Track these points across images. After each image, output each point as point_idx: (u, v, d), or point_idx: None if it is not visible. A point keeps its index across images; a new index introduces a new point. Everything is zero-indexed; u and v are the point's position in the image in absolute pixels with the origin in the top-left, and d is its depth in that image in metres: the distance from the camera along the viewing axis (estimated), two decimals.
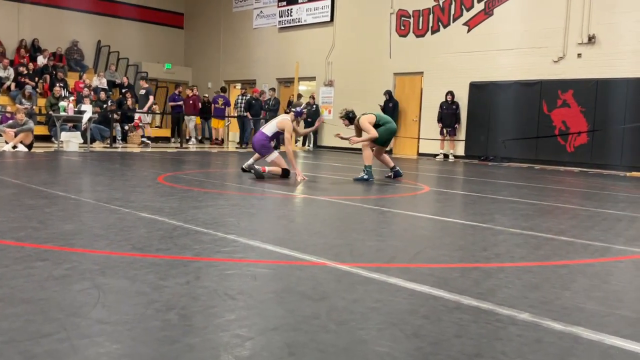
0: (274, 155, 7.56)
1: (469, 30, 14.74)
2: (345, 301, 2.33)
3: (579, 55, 12.91)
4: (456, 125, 14.75)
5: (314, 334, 1.94)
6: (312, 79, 18.63)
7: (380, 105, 16.34)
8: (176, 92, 17.87)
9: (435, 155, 15.18)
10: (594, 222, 4.76)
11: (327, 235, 3.85)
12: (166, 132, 18.50)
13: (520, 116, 13.62)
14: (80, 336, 1.84)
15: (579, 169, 12.44)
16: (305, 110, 7.78)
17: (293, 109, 7.71)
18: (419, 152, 15.88)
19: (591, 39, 12.69)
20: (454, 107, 14.70)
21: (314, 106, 17.63)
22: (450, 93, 14.65)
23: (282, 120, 7.63)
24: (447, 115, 14.75)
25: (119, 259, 2.89)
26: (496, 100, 14.02)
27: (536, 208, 5.68)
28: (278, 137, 7.83)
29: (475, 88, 14.43)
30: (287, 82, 19.19)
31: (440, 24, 15.33)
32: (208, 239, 3.43)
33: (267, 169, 7.48)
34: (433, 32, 15.49)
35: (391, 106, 16.11)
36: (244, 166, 8.11)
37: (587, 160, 12.61)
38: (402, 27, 16.11)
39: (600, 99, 12.48)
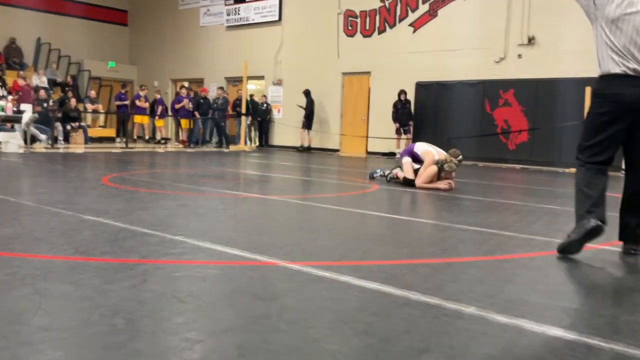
0: (405, 159, 7.29)
1: (414, 31, 15.01)
2: (296, 300, 2.33)
3: (520, 55, 13.35)
4: (410, 123, 14.76)
5: (265, 335, 1.93)
6: (261, 78, 18.54)
7: (301, 106, 16.47)
8: (122, 91, 17.47)
9: (385, 154, 15.36)
10: (536, 217, 4.93)
11: (277, 234, 3.84)
12: (111, 132, 18.03)
13: (464, 115, 13.96)
14: (21, 344, 1.76)
15: (521, 166, 12.86)
16: (445, 166, 6.96)
17: (447, 159, 7.03)
18: (368, 150, 16.05)
19: (531, 40, 13.14)
20: (408, 105, 14.70)
21: (265, 105, 17.57)
22: (403, 92, 14.64)
23: (427, 152, 7.13)
24: (403, 114, 14.67)
25: (61, 263, 2.79)
26: (441, 100, 14.33)
27: (481, 204, 5.84)
28: (414, 157, 7.29)
29: (421, 88, 14.71)
30: (236, 81, 19.02)
31: (386, 24, 15.54)
32: (155, 241, 3.35)
33: (399, 173, 7.38)
34: (380, 33, 15.68)
35: (307, 104, 16.27)
36: (387, 177, 7.70)
37: (527, 158, 13.05)
38: (350, 27, 16.24)
39: (539, 98, 12.94)
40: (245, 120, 16.81)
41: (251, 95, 17.83)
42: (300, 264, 2.93)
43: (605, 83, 3.41)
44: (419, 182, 6.95)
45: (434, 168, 6.91)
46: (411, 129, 14.86)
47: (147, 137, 18.08)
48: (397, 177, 7.42)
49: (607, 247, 3.76)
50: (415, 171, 7.14)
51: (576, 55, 12.37)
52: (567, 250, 3.34)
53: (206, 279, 2.61)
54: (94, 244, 3.25)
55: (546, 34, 12.93)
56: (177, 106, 17.02)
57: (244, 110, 16.50)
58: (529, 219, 4.87)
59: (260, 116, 17.61)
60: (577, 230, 3.28)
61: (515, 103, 13.35)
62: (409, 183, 7.08)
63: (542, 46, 13.03)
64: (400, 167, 7.44)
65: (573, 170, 11.42)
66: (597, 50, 3.46)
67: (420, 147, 7.34)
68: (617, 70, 3.33)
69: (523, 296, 2.53)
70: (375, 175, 7.88)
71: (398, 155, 14.31)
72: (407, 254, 3.38)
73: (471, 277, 2.83)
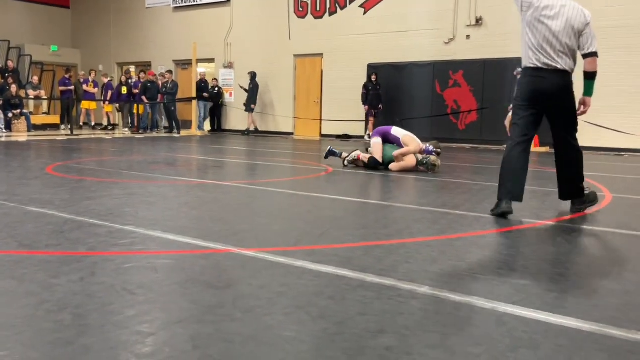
0: (375, 140, 7.12)
1: (365, 12, 15.00)
2: (251, 288, 2.30)
3: (468, 36, 13.55)
4: (380, 106, 14.35)
5: (220, 324, 1.90)
6: (211, 60, 18.21)
7: (244, 87, 16.35)
8: (66, 76, 16.86)
9: (339, 136, 15.37)
10: (485, 196, 5.05)
11: (231, 221, 3.79)
12: (55, 119, 17.40)
13: (415, 96, 14.11)
14: None
15: (470, 145, 13.13)
16: (435, 152, 7.04)
17: (426, 146, 7.08)
18: (322, 133, 16.04)
19: (478, 21, 13.35)
20: (378, 87, 14.29)
21: (216, 89, 17.28)
22: (375, 73, 14.26)
23: (411, 138, 7.04)
24: (374, 96, 14.25)
25: (4, 257, 2.68)
26: (392, 81, 14.41)
27: (432, 184, 5.93)
28: (388, 139, 7.16)
29: (373, 69, 14.75)
30: (185, 64, 18.62)
31: (337, 5, 15.47)
32: (103, 232, 3.26)
33: (360, 156, 7.18)
34: (331, 14, 15.61)
35: (252, 87, 16.27)
36: (344, 161, 7.46)
37: (477, 137, 13.33)
38: (301, 9, 16.10)
39: (487, 78, 13.20)
40: (196, 105, 16.49)
41: (214, 79, 17.53)
42: (255, 250, 2.90)
43: (524, 74, 4.09)
44: (395, 167, 6.94)
45: (414, 160, 6.95)
46: (380, 112, 14.42)
47: (93, 124, 17.55)
48: (359, 159, 7.22)
49: (555, 223, 3.89)
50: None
51: None
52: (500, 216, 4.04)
53: (157, 269, 2.55)
54: (38, 236, 3.13)
55: (493, 15, 13.16)
56: (135, 91, 16.58)
57: (204, 94, 16.29)
58: (478, 197, 4.97)
59: (212, 100, 17.33)
60: (497, 208, 4.04)
61: (464, 84, 13.57)
62: (373, 166, 7.02)
63: (490, 27, 13.26)
64: (366, 150, 7.38)
65: None
66: (522, 47, 4.13)
67: (400, 132, 7.20)
68: (531, 64, 4.01)
69: (474, 273, 2.58)
70: (333, 154, 7.61)
71: (367, 138, 14.30)
72: (362, 236, 3.40)
73: (424, 257, 2.86)
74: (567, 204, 4.42)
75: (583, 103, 4.15)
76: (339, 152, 7.61)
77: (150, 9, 19.44)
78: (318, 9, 15.80)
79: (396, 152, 6.97)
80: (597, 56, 4.01)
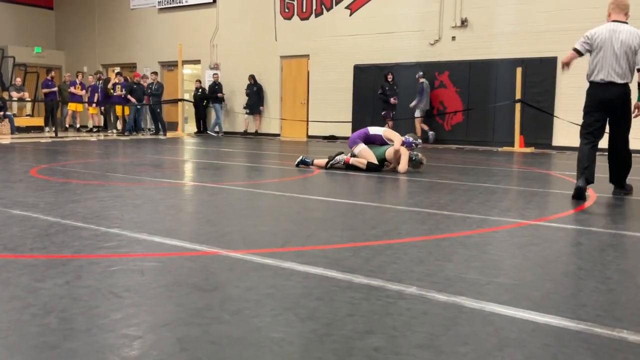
0: (362, 146, 7.12)
1: (351, 14, 15.03)
2: (239, 289, 2.30)
3: (453, 38, 13.62)
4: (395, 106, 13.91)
5: (207, 327, 1.89)
6: (197, 62, 18.13)
7: (246, 91, 16.36)
8: (49, 77, 16.69)
9: (325, 137, 15.38)
10: (471, 196, 5.07)
11: (218, 222, 3.78)
12: (39, 121, 17.22)
13: (402, 97, 14.13)
14: None
15: (456, 146, 13.20)
16: (414, 144, 7.10)
17: (406, 137, 7.12)
18: (309, 134, 16.04)
19: (464, 22, 13.43)
20: (395, 87, 13.92)
21: (199, 90, 17.19)
22: (391, 72, 13.90)
23: (391, 132, 7.21)
24: (391, 96, 13.82)
25: None
26: (379, 82, 14.43)
27: (419, 185, 5.95)
28: (369, 139, 7.21)
29: (359, 70, 14.79)
30: (170, 65, 18.53)
31: (323, 7, 15.48)
32: (89, 235, 3.23)
33: (351, 160, 7.14)
34: (317, 15, 15.62)
35: (255, 90, 16.24)
36: (327, 165, 7.33)
37: (463, 138, 13.41)
38: (287, 10, 16.09)
39: (473, 79, 13.28)
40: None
41: (198, 81, 17.41)
42: (242, 252, 2.89)
43: (591, 87, 5.05)
44: (403, 169, 6.91)
45: (407, 152, 7.01)
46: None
47: (78, 126, 17.40)
48: (349, 163, 7.16)
49: (541, 223, 3.92)
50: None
51: (508, 37, 12.74)
52: (575, 197, 4.93)
53: (144, 272, 2.53)
54: (23, 239, 3.09)
55: (478, 16, 13.24)
56: (116, 93, 16.45)
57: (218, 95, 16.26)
58: (465, 197, 5.00)
59: (196, 101, 17.26)
60: (575, 184, 4.94)
61: (450, 85, 13.65)
62: (374, 169, 6.98)
63: (475, 28, 13.34)
64: (351, 154, 7.33)
65: (506, 149, 11.91)
66: (589, 65, 5.09)
67: (378, 129, 7.32)
68: (597, 79, 4.96)
69: (461, 273, 2.59)
70: (304, 164, 7.51)
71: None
72: (350, 237, 3.40)
73: (412, 257, 2.87)
74: (556, 203, 4.46)
75: (638, 107, 5.03)
76: (310, 161, 7.56)
77: (135, 10, 19.32)
78: (304, 10, 15.80)
79: (391, 153, 7.00)
80: None
